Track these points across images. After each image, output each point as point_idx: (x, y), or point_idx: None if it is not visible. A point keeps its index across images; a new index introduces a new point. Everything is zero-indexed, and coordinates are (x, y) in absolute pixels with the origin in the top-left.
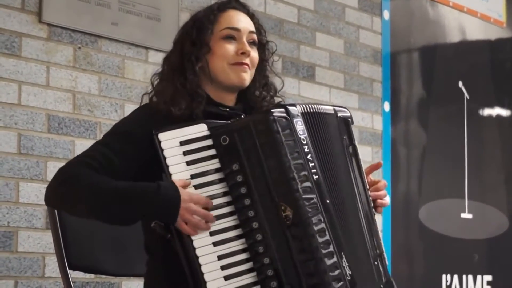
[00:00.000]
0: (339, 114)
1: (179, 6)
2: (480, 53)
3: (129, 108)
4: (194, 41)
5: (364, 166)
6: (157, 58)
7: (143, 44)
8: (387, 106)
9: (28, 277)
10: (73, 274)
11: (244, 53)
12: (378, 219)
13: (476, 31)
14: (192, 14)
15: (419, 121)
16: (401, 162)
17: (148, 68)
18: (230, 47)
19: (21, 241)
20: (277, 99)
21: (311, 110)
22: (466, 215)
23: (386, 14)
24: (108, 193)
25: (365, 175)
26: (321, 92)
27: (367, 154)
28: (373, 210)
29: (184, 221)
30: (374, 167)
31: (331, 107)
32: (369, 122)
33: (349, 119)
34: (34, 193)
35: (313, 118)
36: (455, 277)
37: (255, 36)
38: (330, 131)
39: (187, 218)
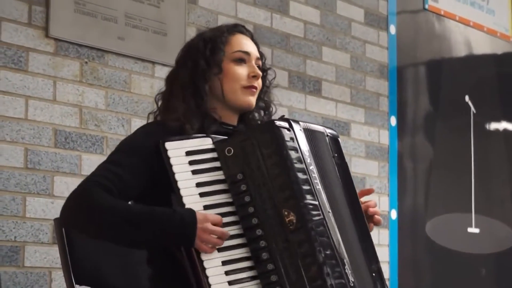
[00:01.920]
0: (328, 131)
1: (185, 21)
2: (486, 67)
3: (136, 123)
4: (207, 61)
5: (370, 180)
6: (163, 73)
7: (149, 59)
8: (393, 121)
9: None
10: None
11: (255, 76)
12: (385, 233)
13: (483, 45)
14: (198, 32)
15: (426, 135)
16: (407, 176)
17: (155, 82)
18: (243, 70)
19: (28, 256)
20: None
21: (308, 127)
22: (473, 230)
23: (393, 29)
24: (126, 218)
25: (356, 191)
26: (327, 106)
27: (374, 169)
28: (367, 225)
29: (202, 241)
30: (365, 192)
31: (321, 127)
32: (376, 136)
33: (338, 138)
34: (41, 207)
35: (310, 134)
36: None
37: (260, 62)
38: (322, 146)
39: (205, 238)
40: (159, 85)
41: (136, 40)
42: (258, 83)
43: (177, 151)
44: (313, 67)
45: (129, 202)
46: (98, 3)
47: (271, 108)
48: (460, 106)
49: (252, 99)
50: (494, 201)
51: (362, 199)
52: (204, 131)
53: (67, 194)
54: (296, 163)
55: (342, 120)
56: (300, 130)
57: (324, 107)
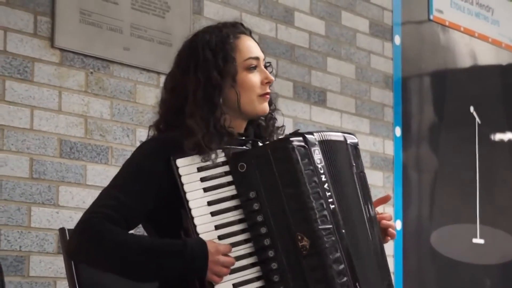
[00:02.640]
0: (349, 141)
1: (191, 32)
2: (491, 78)
3: (141, 133)
4: (221, 73)
5: (375, 191)
6: None
7: (155, 69)
8: (398, 131)
9: None
10: None
11: (269, 82)
12: (390, 244)
13: (488, 56)
14: (197, 37)
15: (431, 146)
16: (412, 187)
17: (160, 93)
18: (256, 78)
19: (33, 266)
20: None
21: (326, 138)
22: (478, 240)
23: (397, 39)
24: (135, 253)
25: (373, 203)
26: (332, 117)
27: (378, 179)
28: (382, 240)
29: (213, 273)
30: (382, 201)
31: (341, 134)
32: (380, 147)
33: (358, 146)
34: (46, 217)
35: (328, 146)
36: None
37: (264, 62)
38: (341, 159)
39: (216, 270)
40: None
41: (141, 51)
42: None
43: (188, 168)
44: (318, 78)
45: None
46: (103, 14)
47: (274, 107)
48: (465, 117)
49: (267, 106)
50: (499, 211)
51: (378, 209)
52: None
53: (72, 204)
54: (311, 184)
55: (347, 130)
56: (316, 144)
57: (329, 117)
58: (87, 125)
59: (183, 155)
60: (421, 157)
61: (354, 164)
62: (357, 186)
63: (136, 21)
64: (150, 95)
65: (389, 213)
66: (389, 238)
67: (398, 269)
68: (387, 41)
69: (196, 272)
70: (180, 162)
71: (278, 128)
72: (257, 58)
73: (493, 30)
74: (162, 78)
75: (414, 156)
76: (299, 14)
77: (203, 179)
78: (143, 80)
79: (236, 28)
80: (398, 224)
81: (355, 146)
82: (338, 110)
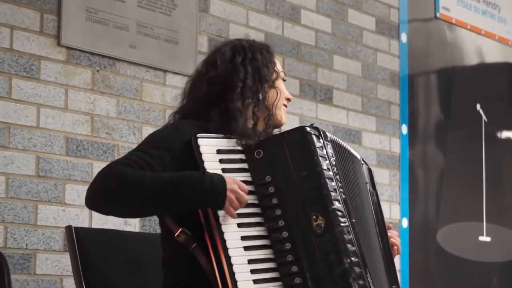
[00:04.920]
0: (363, 164)
1: (197, 30)
2: (498, 76)
3: (147, 131)
4: (269, 68)
5: (381, 189)
6: (174, 81)
7: (161, 67)
8: (404, 129)
9: None
10: None
11: (289, 100)
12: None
13: (494, 53)
14: (210, 40)
15: (437, 143)
16: (419, 185)
17: (166, 91)
18: (285, 89)
19: (39, 264)
20: None
21: (339, 143)
22: (484, 238)
23: (404, 37)
24: (157, 184)
25: (385, 220)
26: (338, 115)
27: (385, 177)
28: (391, 251)
29: (230, 203)
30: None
31: (358, 155)
32: (387, 145)
33: (372, 172)
34: (52, 215)
35: (340, 149)
36: None
37: None
38: (356, 170)
39: (232, 199)
40: (171, 94)
41: (148, 49)
42: None
43: (209, 148)
44: (325, 76)
45: None
46: (110, 12)
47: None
48: (472, 115)
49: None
50: (505, 209)
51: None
52: None
53: (78, 202)
54: (325, 169)
55: (353, 128)
56: (328, 140)
57: (335, 115)
58: (94, 123)
59: (205, 135)
60: (428, 155)
61: (367, 182)
62: (370, 199)
63: (142, 19)
64: (156, 93)
65: (395, 232)
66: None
67: (405, 267)
68: (394, 38)
69: (215, 199)
70: (201, 141)
71: None
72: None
73: (500, 27)
74: (169, 76)
75: (421, 154)
76: (306, 12)
77: (222, 161)
78: (149, 78)
79: (267, 47)
80: (405, 222)
81: (370, 170)
82: (344, 108)
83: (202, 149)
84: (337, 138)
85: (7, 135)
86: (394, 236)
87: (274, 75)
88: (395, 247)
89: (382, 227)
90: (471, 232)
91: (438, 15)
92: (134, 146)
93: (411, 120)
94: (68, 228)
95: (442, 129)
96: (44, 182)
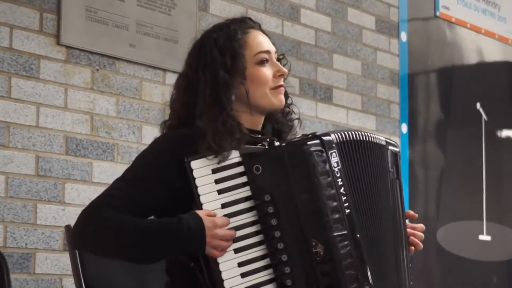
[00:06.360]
0: (390, 148)
1: (196, 29)
2: (498, 75)
3: (147, 130)
4: (229, 71)
5: None
6: (174, 80)
7: (160, 66)
8: (404, 128)
9: None
10: None
11: (282, 75)
12: None
13: (494, 52)
14: (205, 37)
15: (437, 142)
16: (419, 184)
17: (166, 90)
18: (267, 71)
19: (39, 263)
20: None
21: (350, 138)
22: (484, 237)
23: (404, 36)
24: (133, 234)
25: (405, 212)
26: (338, 114)
27: None
28: (407, 248)
29: (213, 247)
30: (409, 215)
31: (383, 139)
32: None
33: (399, 154)
34: (52, 215)
35: (349, 147)
36: None
37: (277, 55)
38: (374, 163)
39: (215, 244)
40: (170, 93)
41: (147, 48)
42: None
43: (202, 170)
44: (324, 75)
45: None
46: (109, 11)
47: (291, 101)
48: (472, 114)
49: (282, 98)
50: (505, 208)
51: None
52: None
53: (78, 201)
54: (326, 189)
55: (353, 127)
56: (334, 147)
57: (335, 114)
58: (93, 122)
59: (198, 156)
60: (428, 154)
61: (391, 170)
62: (389, 190)
63: (142, 18)
64: (156, 92)
65: (422, 225)
66: (413, 248)
67: None
68: (394, 37)
69: (194, 247)
70: (194, 164)
71: (296, 120)
72: (267, 52)
73: (500, 26)
74: (168, 75)
75: (421, 153)
76: (305, 11)
77: (217, 181)
78: (149, 77)
79: (244, 24)
80: None
81: (395, 154)
82: (344, 107)
83: (195, 173)
84: (349, 134)
85: (6, 134)
86: (415, 233)
87: (241, 67)
88: (412, 248)
89: (398, 227)
90: (471, 231)
91: (438, 14)
92: (133, 145)
93: (411, 119)
94: (68, 227)
95: (442, 128)
96: (44, 182)
